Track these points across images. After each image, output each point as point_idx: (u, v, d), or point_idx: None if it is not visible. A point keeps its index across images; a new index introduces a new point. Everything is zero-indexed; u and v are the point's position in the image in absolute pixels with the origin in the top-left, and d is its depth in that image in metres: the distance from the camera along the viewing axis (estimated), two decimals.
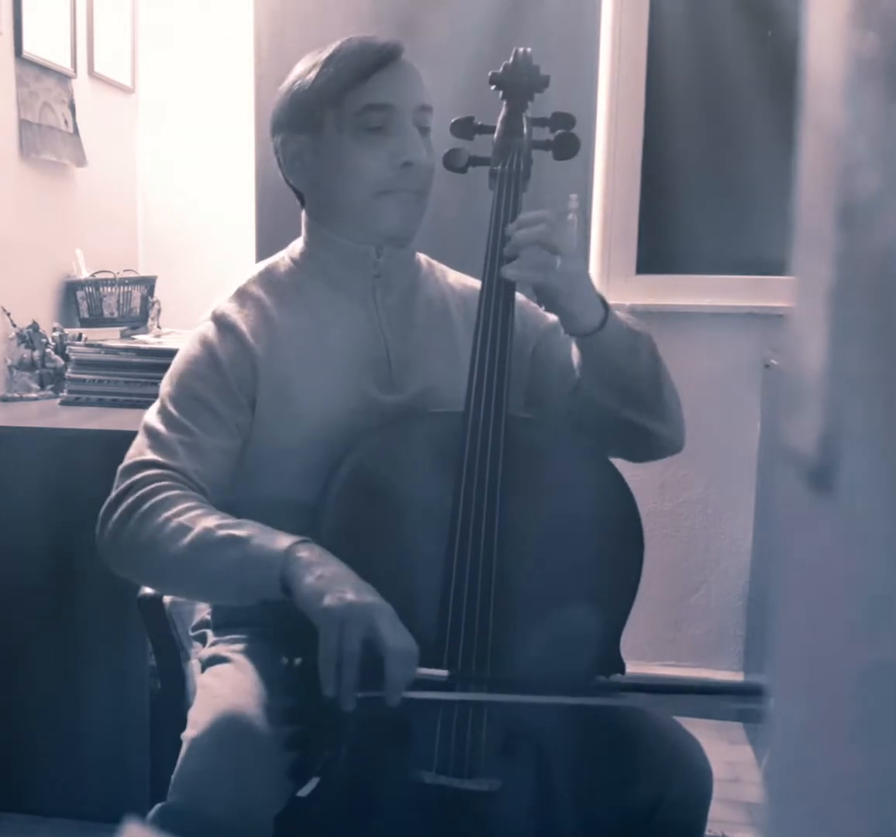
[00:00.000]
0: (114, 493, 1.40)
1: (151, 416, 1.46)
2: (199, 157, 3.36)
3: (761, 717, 2.67)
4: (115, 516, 1.37)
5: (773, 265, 2.96)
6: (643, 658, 3.07)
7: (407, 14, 3.06)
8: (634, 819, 1.35)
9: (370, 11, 3.07)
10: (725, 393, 2.93)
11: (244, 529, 1.30)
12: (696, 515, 3.08)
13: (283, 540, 1.27)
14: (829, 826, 0.43)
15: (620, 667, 1.44)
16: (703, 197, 3.11)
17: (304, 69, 1.50)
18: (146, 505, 1.35)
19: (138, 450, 1.42)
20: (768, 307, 2.88)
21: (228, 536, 1.29)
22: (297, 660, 1.24)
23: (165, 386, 1.49)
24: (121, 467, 1.42)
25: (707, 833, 1.41)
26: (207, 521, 1.31)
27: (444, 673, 1.25)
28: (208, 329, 1.51)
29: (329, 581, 1.22)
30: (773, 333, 2.84)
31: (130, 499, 1.36)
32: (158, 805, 1.29)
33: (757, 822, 2.36)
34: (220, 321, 1.51)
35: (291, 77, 1.52)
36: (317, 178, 1.52)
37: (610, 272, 3.13)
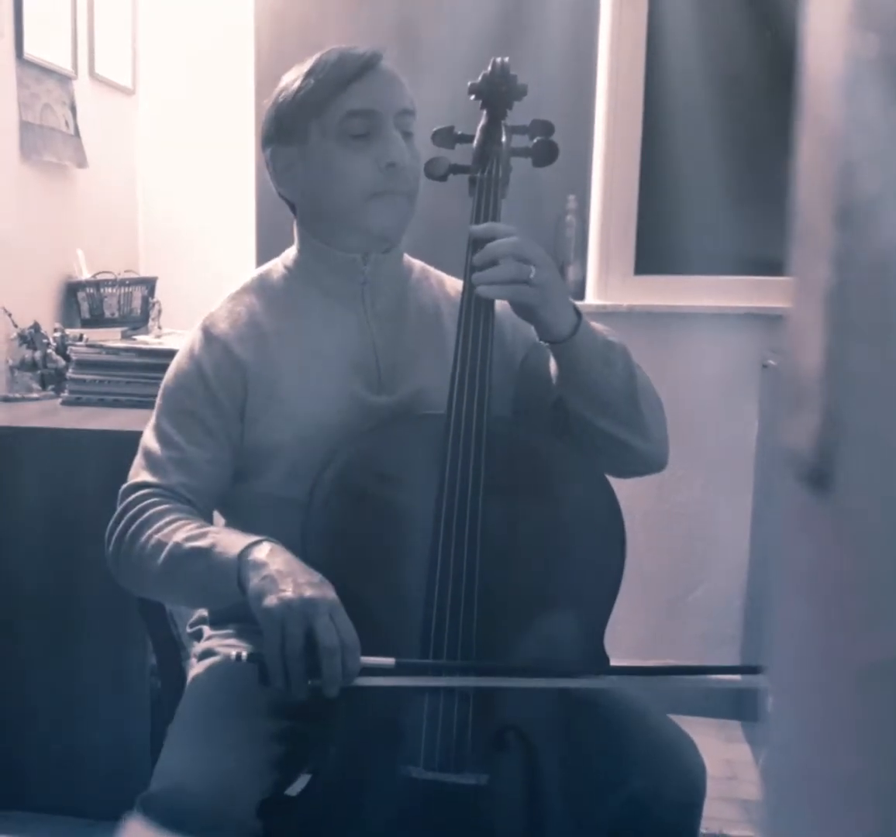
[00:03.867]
0: (114, 516, 1.48)
1: (147, 433, 1.54)
2: (199, 158, 3.36)
3: (759, 715, 2.67)
4: (113, 538, 1.47)
5: (771, 265, 2.96)
6: (641, 656, 3.06)
7: (406, 17, 3.06)
8: (628, 816, 1.36)
9: (369, 13, 3.07)
10: (724, 393, 2.93)
11: (207, 539, 1.36)
12: (694, 515, 3.08)
13: (237, 545, 1.33)
14: (827, 824, 0.43)
15: (604, 662, 1.45)
16: (702, 197, 3.11)
17: (287, 82, 1.53)
18: (134, 527, 1.44)
19: (135, 472, 1.52)
20: (767, 307, 2.88)
21: (193, 549, 1.35)
22: (244, 654, 1.28)
23: (159, 400, 1.56)
24: (121, 489, 1.50)
25: (705, 830, 1.41)
26: (178, 535, 1.38)
27: (390, 661, 1.28)
28: (196, 340, 1.55)
29: (271, 580, 1.27)
30: (772, 333, 2.84)
31: (123, 522, 1.46)
32: (140, 795, 1.32)
33: (755, 820, 2.36)
34: (208, 331, 1.55)
35: (276, 90, 1.55)
36: (307, 188, 1.55)
37: (608, 272, 3.13)
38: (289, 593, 1.24)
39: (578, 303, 3.18)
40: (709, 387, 2.91)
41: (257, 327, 1.55)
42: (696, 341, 2.96)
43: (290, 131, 1.52)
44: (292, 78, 1.52)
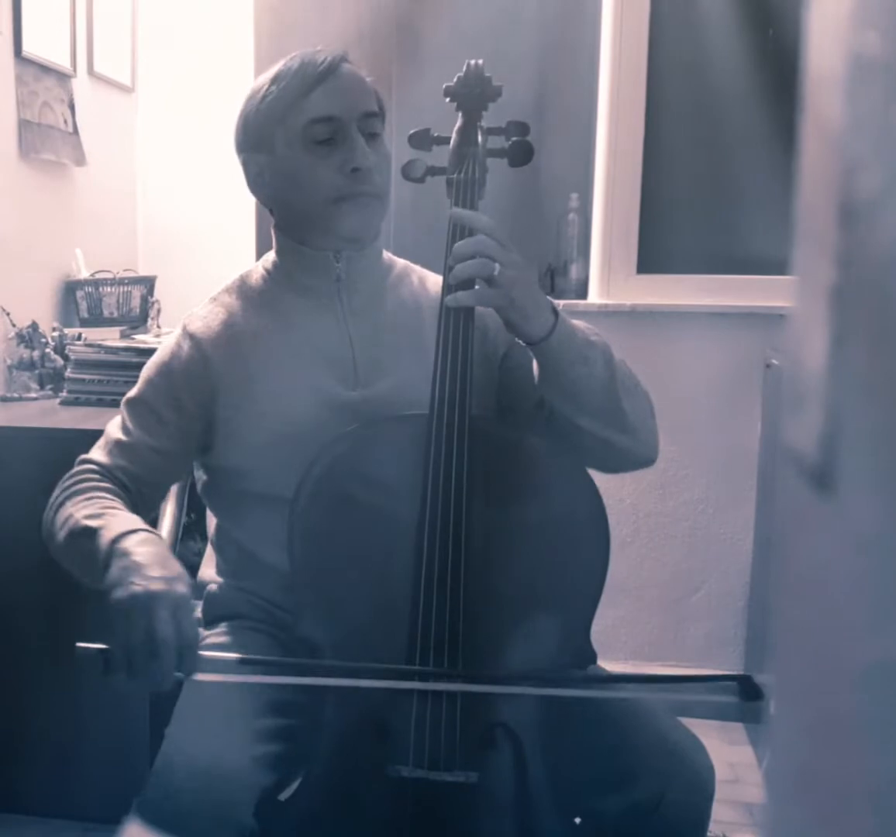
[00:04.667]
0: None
1: (113, 419, 1.61)
2: (198, 157, 3.36)
3: (762, 717, 2.67)
4: (48, 505, 1.54)
5: (773, 265, 2.96)
6: (644, 658, 3.07)
7: (406, 15, 3.06)
8: (635, 817, 1.36)
9: (369, 12, 3.07)
10: (726, 393, 2.93)
11: (101, 520, 1.40)
12: (697, 515, 3.08)
13: (114, 532, 1.35)
14: (830, 827, 0.43)
15: (592, 658, 1.45)
16: (704, 196, 3.11)
17: (254, 89, 1.57)
18: (62, 497, 1.51)
19: (92, 450, 1.59)
20: (769, 307, 2.88)
21: (85, 527, 1.40)
22: (88, 647, 1.29)
23: (131, 388, 1.63)
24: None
25: (708, 833, 1.41)
26: (84, 511, 1.44)
27: (235, 656, 1.32)
28: (174, 336, 1.62)
29: (127, 570, 1.28)
30: (774, 333, 2.83)
31: (56, 491, 1.54)
32: (136, 798, 1.33)
33: (758, 823, 2.36)
34: (185, 328, 1.61)
35: (245, 97, 1.58)
36: (277, 193, 1.59)
37: (611, 271, 3.13)
38: (136, 585, 1.25)
39: (581, 302, 3.19)
40: (711, 387, 2.91)
41: (232, 327, 1.59)
42: (699, 340, 2.96)
43: (257, 139, 1.56)
44: (259, 85, 1.56)
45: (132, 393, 1.60)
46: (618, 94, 3.07)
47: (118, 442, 1.56)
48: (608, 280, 3.12)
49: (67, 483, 1.53)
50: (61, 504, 1.50)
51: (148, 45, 3.40)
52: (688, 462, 3.00)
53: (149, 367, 1.61)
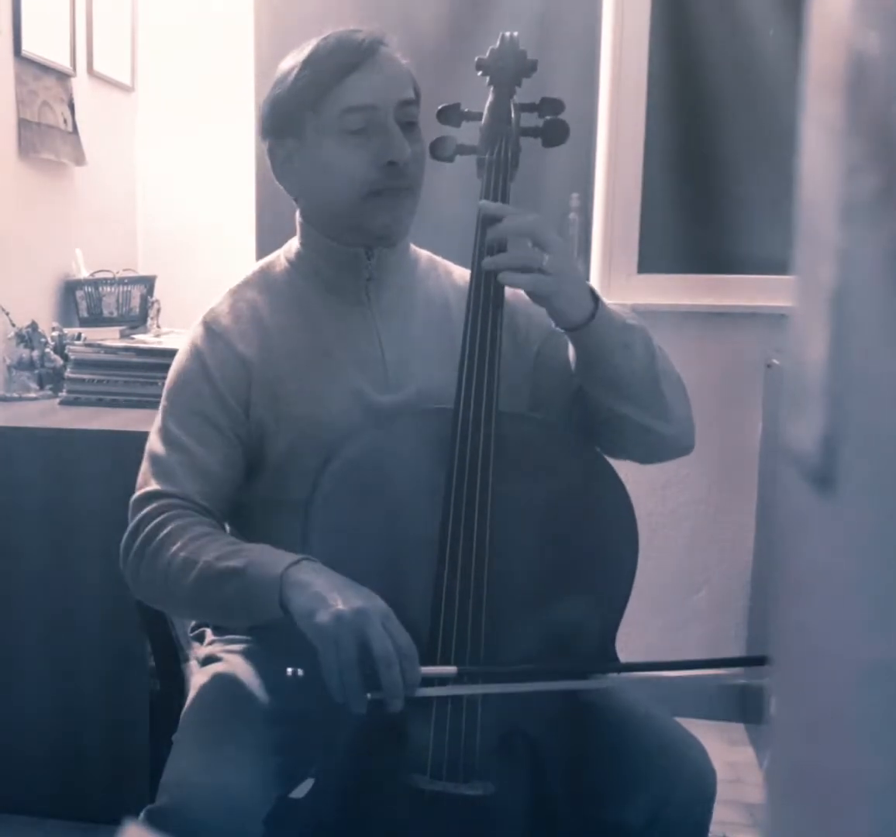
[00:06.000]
0: (128, 529, 1.43)
1: (153, 437, 1.48)
2: (198, 156, 3.36)
3: (763, 718, 2.67)
4: (131, 554, 1.41)
5: (774, 264, 2.96)
6: (644, 658, 3.06)
7: (406, 16, 3.06)
8: (637, 822, 1.35)
9: (370, 13, 3.06)
10: (727, 393, 2.93)
11: (242, 558, 1.31)
12: (699, 515, 3.07)
13: (278, 566, 1.28)
14: (830, 827, 0.43)
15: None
16: (705, 196, 3.11)
17: (283, 71, 1.49)
18: (155, 543, 1.38)
19: (144, 480, 1.45)
20: (770, 307, 2.88)
21: (227, 569, 1.30)
22: (300, 672, 1.24)
23: (163, 401, 1.51)
24: (131, 500, 1.45)
25: (709, 834, 1.41)
26: (209, 553, 1.33)
27: (452, 669, 1.26)
28: (198, 336, 1.51)
29: (319, 597, 1.23)
30: (775, 333, 2.83)
31: (141, 536, 1.40)
32: (146, 807, 1.31)
33: (759, 823, 2.36)
34: (210, 327, 1.51)
35: (274, 78, 1.50)
36: (305, 183, 1.51)
37: (611, 271, 3.13)
38: (339, 606, 1.20)
39: None
40: (712, 387, 2.90)
41: (260, 323, 1.51)
42: (700, 340, 2.96)
43: (286, 124, 1.48)
44: (289, 66, 1.48)
45: (172, 407, 1.48)
46: (618, 94, 3.07)
47: (181, 464, 1.43)
48: (608, 280, 3.12)
49: (150, 527, 1.39)
50: (159, 550, 1.37)
51: (148, 45, 3.40)
52: (689, 462, 2.97)
53: (183, 375, 1.49)
